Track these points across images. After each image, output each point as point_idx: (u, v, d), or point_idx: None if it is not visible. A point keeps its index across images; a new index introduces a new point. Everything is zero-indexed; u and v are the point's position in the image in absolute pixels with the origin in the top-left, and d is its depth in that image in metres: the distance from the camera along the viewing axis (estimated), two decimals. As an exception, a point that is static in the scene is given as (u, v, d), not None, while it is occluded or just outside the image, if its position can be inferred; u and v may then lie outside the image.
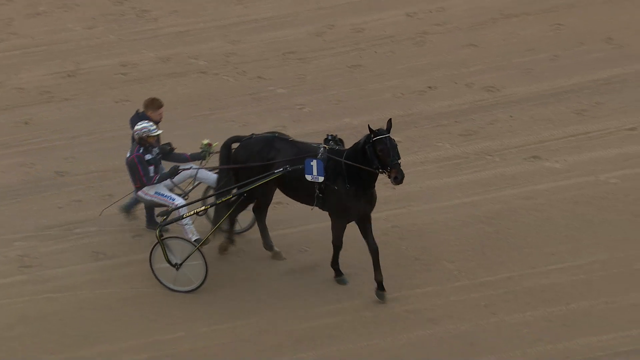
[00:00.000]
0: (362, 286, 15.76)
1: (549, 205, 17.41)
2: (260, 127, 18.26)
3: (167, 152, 16.09)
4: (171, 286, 15.90)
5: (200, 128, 18.60)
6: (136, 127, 15.86)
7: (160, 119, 16.23)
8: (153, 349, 15.29)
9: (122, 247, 17.03)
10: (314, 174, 15.00)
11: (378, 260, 15.38)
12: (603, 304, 15.60)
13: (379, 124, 15.18)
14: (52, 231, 17.35)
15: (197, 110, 19.46)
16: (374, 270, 15.44)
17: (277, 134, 15.75)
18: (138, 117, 16.27)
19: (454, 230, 17.03)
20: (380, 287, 15.46)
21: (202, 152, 15.98)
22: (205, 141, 15.90)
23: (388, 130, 14.87)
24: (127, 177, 16.43)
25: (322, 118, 18.89)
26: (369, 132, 14.91)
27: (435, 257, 16.55)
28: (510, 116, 19.04)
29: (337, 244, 15.53)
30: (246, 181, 15.53)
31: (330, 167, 15.12)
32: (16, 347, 15.28)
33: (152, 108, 16.30)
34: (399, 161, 14.77)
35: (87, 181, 18.31)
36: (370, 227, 15.40)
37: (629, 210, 17.16)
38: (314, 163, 15.04)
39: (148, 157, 15.81)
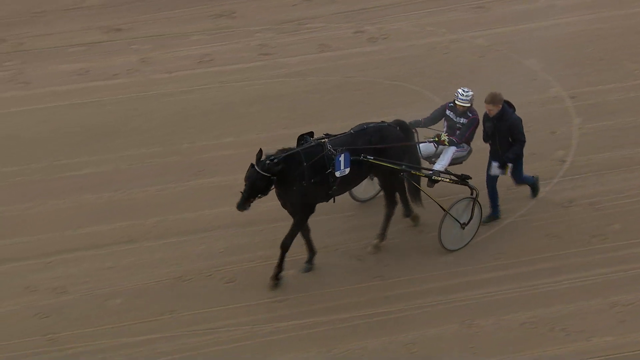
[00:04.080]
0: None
1: None
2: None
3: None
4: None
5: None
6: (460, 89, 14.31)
7: (489, 113, 13.98)
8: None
9: (343, 41, 17.82)
10: None
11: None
12: None
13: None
14: (286, 25, 18.27)
15: None
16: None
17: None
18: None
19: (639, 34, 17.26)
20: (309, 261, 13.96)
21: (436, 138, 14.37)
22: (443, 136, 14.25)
23: (261, 163, 13.18)
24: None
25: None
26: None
27: (618, 58, 16.83)
28: None
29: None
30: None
31: None
32: (255, 120, 16.32)
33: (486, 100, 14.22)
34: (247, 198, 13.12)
35: (316, -14, 19.06)
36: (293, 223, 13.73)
37: None
38: None
39: (450, 114, 14.33)
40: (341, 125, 15.73)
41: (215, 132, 16.10)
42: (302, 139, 13.63)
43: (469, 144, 14.44)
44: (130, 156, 15.74)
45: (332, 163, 13.47)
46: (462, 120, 14.24)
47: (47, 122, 16.43)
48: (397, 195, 14.13)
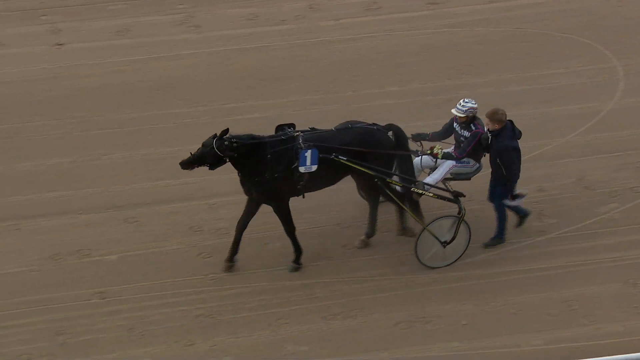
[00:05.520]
0: None
1: None
2: None
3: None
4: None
5: None
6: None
7: (486, 126, 12.85)
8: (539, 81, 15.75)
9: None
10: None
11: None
12: None
13: None
14: (456, -24, 18.09)
15: None
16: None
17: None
18: None
19: None
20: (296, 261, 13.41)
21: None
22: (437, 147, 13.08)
23: (220, 140, 12.54)
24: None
25: None
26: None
27: None
28: None
29: None
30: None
31: None
32: (420, 70, 16.18)
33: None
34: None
35: None
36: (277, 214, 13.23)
37: None
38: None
39: (457, 127, 13.12)
40: (509, 77, 15.72)
41: (380, 81, 16.03)
42: (280, 129, 12.91)
43: (478, 160, 13.19)
44: (295, 102, 15.75)
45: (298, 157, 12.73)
46: (466, 133, 13.01)
47: (217, 65, 16.56)
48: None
